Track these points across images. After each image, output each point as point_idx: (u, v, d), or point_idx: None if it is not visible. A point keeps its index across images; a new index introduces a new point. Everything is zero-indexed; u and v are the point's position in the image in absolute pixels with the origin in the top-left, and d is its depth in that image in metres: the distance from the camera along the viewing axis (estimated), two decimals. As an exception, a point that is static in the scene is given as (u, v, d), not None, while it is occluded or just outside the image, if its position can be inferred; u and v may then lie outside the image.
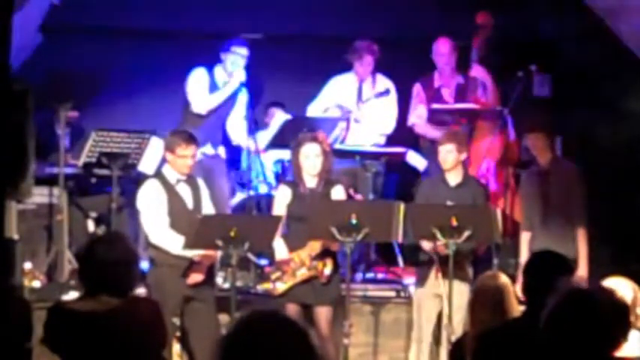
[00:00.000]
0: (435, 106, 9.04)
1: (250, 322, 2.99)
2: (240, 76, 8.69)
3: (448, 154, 7.66)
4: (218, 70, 8.82)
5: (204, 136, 8.54)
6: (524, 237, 7.93)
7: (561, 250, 7.61)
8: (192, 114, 8.70)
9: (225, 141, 9.06)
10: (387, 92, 9.09)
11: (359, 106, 9.08)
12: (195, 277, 7.20)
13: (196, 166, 8.34)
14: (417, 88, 9.27)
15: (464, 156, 7.75)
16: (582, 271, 7.60)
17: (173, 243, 7.07)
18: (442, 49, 9.14)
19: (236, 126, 9.00)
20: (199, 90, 8.71)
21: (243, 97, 8.88)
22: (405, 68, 9.42)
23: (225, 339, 2.99)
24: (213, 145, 8.85)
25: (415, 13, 9.93)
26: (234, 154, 9.35)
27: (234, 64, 8.74)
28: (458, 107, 8.96)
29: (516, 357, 4.51)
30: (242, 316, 3.04)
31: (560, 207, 7.75)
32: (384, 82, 9.19)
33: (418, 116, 9.17)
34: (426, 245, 7.47)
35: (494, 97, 9.16)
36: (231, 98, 8.84)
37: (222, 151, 8.97)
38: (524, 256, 7.81)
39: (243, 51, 8.79)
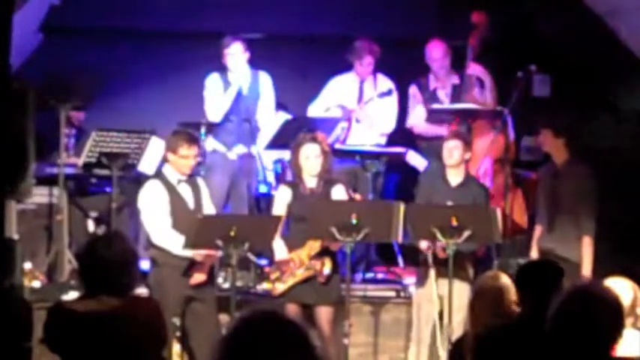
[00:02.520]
0: (435, 106, 9.02)
1: (250, 322, 2.99)
2: (239, 78, 8.67)
3: (454, 150, 7.65)
4: (230, 72, 8.80)
5: (234, 138, 8.62)
6: (536, 231, 7.95)
7: (565, 252, 7.65)
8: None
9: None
10: (389, 92, 9.06)
11: (360, 106, 9.06)
12: (199, 277, 7.21)
13: (227, 166, 8.48)
14: (413, 90, 9.25)
15: (468, 155, 7.74)
16: (586, 272, 7.59)
17: (175, 243, 7.08)
18: (434, 54, 9.11)
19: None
20: (213, 100, 8.71)
21: (269, 92, 8.86)
22: (404, 68, 9.40)
23: (225, 339, 2.99)
24: (246, 144, 8.79)
25: (414, 12, 9.93)
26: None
27: (235, 65, 8.70)
28: (457, 107, 8.95)
29: (516, 357, 4.51)
30: (241, 316, 3.04)
31: (568, 210, 7.71)
32: (385, 82, 9.17)
33: (417, 117, 9.16)
34: (423, 245, 7.47)
35: (493, 94, 9.14)
36: (253, 94, 8.80)
37: (255, 149, 8.84)
38: (534, 251, 7.88)
39: (238, 49, 8.70)
